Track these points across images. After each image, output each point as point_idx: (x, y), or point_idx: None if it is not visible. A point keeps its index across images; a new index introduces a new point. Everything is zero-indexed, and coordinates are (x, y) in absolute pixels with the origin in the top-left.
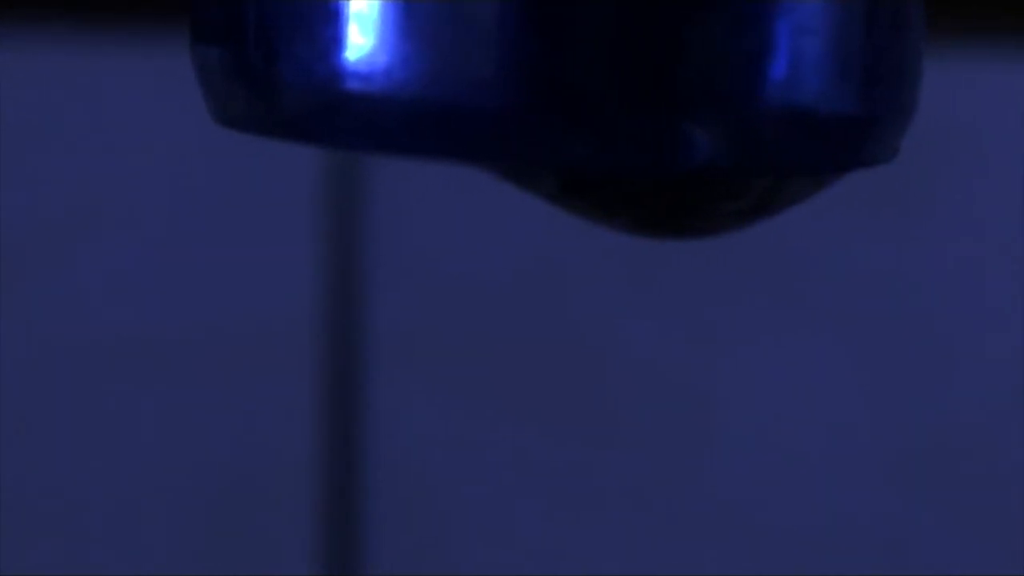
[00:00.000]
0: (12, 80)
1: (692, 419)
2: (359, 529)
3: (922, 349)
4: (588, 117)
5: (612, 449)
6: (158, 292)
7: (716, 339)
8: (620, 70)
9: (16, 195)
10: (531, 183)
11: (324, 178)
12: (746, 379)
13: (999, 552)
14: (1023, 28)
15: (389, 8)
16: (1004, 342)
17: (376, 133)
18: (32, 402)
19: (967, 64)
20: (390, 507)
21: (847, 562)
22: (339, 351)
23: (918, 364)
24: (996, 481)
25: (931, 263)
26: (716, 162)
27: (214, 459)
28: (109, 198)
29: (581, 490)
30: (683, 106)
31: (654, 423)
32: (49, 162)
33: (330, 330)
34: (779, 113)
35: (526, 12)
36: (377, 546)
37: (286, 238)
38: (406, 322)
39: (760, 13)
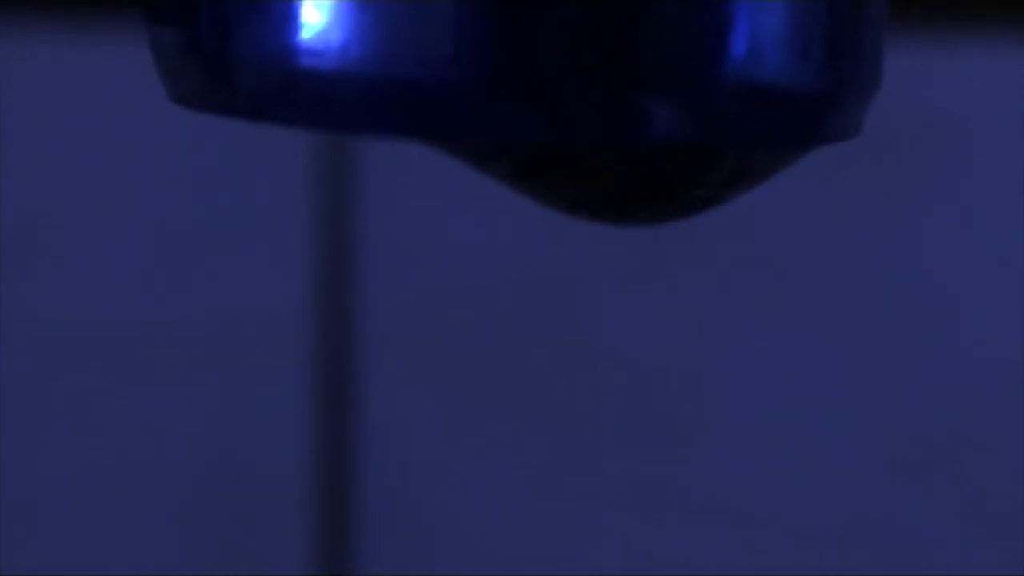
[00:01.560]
0: (7, 76)
1: (686, 410)
2: (352, 529)
3: (917, 338)
4: (544, 92)
5: (607, 443)
6: (147, 289)
7: (709, 329)
8: (577, 44)
9: (4, 192)
10: (488, 164)
11: (315, 173)
12: (739, 368)
13: (999, 548)
14: (1011, 14)
15: None
16: (1001, 331)
17: (330, 110)
18: (21, 398)
19: (955, 50)
20: (383, 505)
21: (842, 553)
22: (331, 347)
23: (913, 352)
24: (995, 473)
25: (926, 252)
26: (675, 138)
27: (204, 456)
28: (97, 194)
29: (577, 486)
30: (641, 81)
31: (650, 417)
32: (36, 159)
33: (322, 326)
34: (739, 88)
35: None
36: (371, 545)
37: (278, 233)
38: (399, 317)
39: None
